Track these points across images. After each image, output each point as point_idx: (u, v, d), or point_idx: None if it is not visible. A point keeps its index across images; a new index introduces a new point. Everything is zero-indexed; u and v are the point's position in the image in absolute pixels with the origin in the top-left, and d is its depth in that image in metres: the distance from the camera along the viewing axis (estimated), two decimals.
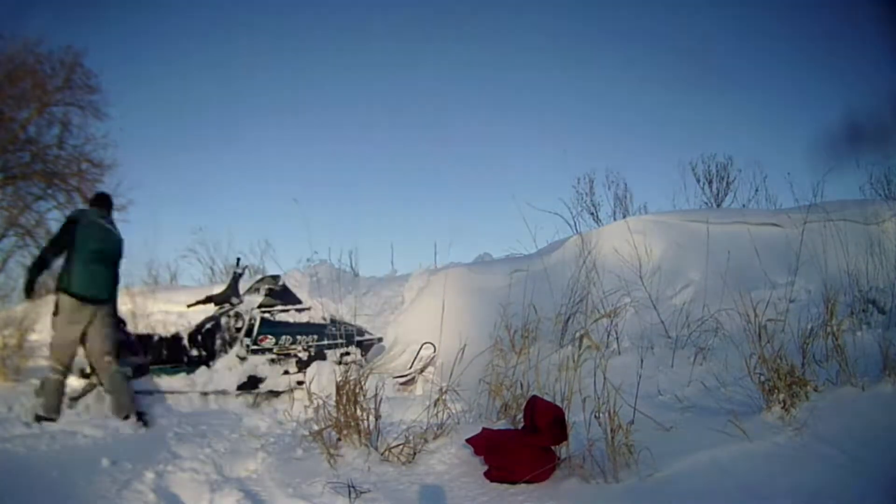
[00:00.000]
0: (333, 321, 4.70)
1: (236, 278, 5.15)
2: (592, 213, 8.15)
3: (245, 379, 4.45)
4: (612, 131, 17.24)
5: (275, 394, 4.44)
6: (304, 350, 4.63)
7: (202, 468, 2.87)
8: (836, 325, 3.05)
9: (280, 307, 4.81)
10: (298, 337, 4.66)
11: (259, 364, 4.54)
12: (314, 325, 4.74)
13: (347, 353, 4.51)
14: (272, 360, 4.58)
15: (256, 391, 4.42)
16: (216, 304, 4.94)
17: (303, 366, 4.52)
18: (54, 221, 9.74)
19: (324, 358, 4.51)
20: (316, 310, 5.00)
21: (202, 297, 5.09)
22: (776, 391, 2.60)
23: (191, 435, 3.47)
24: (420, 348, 4.38)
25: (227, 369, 4.50)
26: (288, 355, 4.60)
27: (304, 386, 4.31)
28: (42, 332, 6.92)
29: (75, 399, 4.24)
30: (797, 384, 2.62)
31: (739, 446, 2.33)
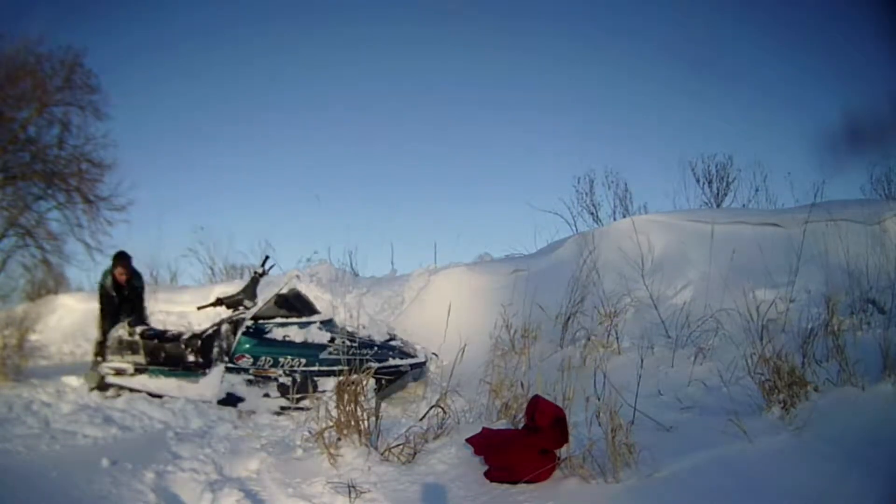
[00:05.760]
0: (352, 338, 3.90)
1: (256, 280, 4.68)
2: (592, 213, 8.12)
3: (224, 395, 4.07)
4: (612, 131, 17.21)
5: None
6: (287, 375, 3.99)
7: (202, 468, 2.87)
8: (836, 325, 3.05)
9: (279, 319, 4.21)
10: (281, 359, 4.03)
11: (236, 383, 4.08)
12: (308, 345, 4.07)
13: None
14: (249, 382, 4.07)
15: (237, 409, 4.03)
16: (227, 308, 4.56)
17: (285, 391, 3.93)
18: (54, 221, 9.76)
19: (314, 388, 3.85)
20: (338, 317, 4.36)
21: (212, 298, 4.77)
22: (776, 391, 2.61)
23: (191, 435, 3.47)
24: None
25: (217, 380, 4.17)
26: (267, 378, 4.04)
27: (288, 411, 3.91)
28: (42, 332, 6.95)
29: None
30: (797, 384, 2.62)
31: (740, 446, 2.32)
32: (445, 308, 3.71)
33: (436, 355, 4.18)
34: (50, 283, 9.96)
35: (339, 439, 2.83)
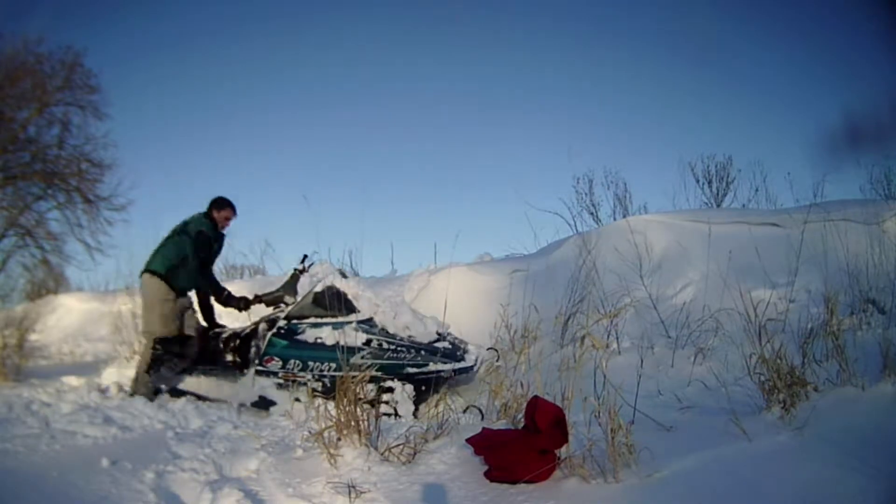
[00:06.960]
0: (391, 340, 3.70)
1: (296, 276, 4.48)
2: (592, 213, 8.14)
3: (256, 398, 3.94)
4: (612, 131, 17.26)
5: None
6: (317, 380, 3.81)
7: (202, 468, 2.87)
8: (835, 325, 3.05)
9: (313, 319, 3.97)
10: (311, 363, 3.82)
11: (267, 386, 3.93)
12: (341, 348, 3.76)
13: (387, 390, 3.45)
14: (279, 385, 3.91)
15: (269, 413, 3.86)
16: (267, 306, 4.36)
17: (318, 395, 3.72)
18: (54, 221, 9.77)
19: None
20: (379, 317, 4.08)
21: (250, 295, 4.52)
22: (776, 391, 2.61)
23: (191, 435, 3.47)
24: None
25: (250, 382, 4.02)
26: (297, 382, 3.86)
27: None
28: (42, 332, 6.95)
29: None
30: (797, 384, 2.62)
31: (740, 446, 2.32)
32: (446, 308, 3.71)
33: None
34: (50, 283, 9.99)
35: (339, 439, 2.83)
